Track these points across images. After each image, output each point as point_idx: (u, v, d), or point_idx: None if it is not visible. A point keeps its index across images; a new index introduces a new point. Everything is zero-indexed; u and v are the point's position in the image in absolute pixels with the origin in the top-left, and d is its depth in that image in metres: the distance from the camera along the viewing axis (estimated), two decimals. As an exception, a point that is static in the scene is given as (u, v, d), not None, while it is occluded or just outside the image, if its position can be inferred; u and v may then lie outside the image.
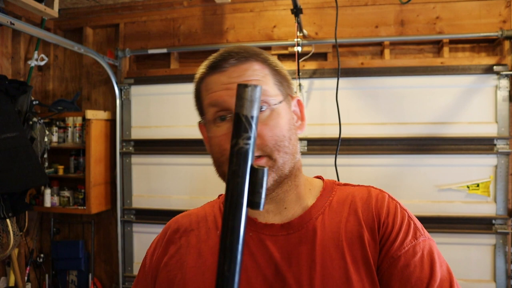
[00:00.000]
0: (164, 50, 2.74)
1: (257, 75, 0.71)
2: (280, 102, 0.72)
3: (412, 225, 0.72)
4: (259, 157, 0.68)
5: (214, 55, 0.74)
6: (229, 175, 0.47)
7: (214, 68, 0.72)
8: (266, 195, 0.69)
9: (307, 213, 0.75)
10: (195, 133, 2.64)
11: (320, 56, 2.64)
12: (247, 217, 0.71)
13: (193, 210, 0.86)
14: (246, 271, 0.71)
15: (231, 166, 0.46)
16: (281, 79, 0.75)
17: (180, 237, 0.80)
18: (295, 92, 0.80)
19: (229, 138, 0.64)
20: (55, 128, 2.77)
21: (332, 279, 0.67)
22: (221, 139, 0.70)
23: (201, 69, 0.76)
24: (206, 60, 0.76)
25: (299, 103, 0.78)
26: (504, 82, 2.32)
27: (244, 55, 0.72)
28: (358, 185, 0.80)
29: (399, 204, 0.75)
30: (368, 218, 0.72)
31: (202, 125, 0.80)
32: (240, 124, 0.47)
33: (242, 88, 0.47)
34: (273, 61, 0.75)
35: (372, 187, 0.79)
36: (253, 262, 0.71)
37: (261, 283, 0.70)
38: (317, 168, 2.42)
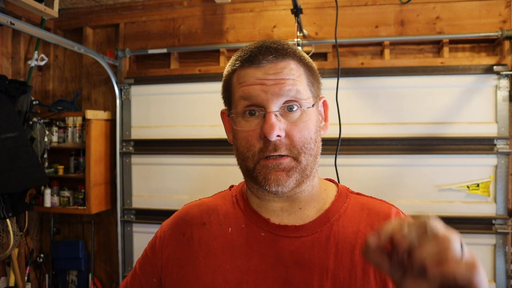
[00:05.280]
0: (164, 50, 2.74)
1: (293, 74, 0.70)
2: (312, 105, 0.72)
3: None
4: (282, 156, 0.68)
5: (249, 47, 0.73)
6: None
7: (250, 62, 0.71)
8: (284, 194, 0.71)
9: (322, 217, 0.74)
10: (195, 133, 2.66)
11: (320, 56, 2.64)
12: (259, 216, 0.75)
13: (204, 200, 0.85)
14: (256, 271, 0.70)
15: None
16: (313, 80, 0.75)
17: (192, 230, 0.78)
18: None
19: (257, 134, 0.69)
20: (55, 128, 2.77)
21: None
22: (249, 134, 0.70)
23: (235, 60, 0.74)
24: (240, 51, 0.75)
25: (325, 104, 0.79)
26: (504, 82, 2.32)
27: (282, 52, 0.71)
28: (371, 197, 0.81)
29: None
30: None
31: (225, 113, 0.80)
32: None
33: None
34: (308, 61, 0.75)
35: (385, 201, 0.80)
36: (263, 263, 0.71)
37: (270, 284, 0.69)
38: (317, 168, 2.42)
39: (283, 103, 0.69)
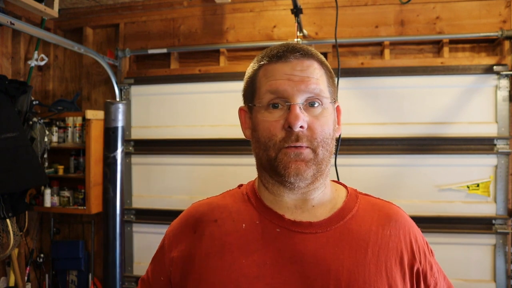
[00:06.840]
0: (164, 50, 2.74)
1: (316, 73, 0.75)
2: (332, 102, 0.77)
3: (428, 244, 0.81)
4: (303, 147, 0.72)
5: (275, 47, 0.78)
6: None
7: (278, 58, 0.75)
8: (300, 188, 0.75)
9: (335, 215, 0.77)
10: (195, 133, 2.66)
11: (320, 56, 2.64)
12: (274, 213, 0.77)
13: (213, 199, 0.86)
14: (272, 265, 0.72)
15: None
16: (332, 84, 0.79)
17: (203, 227, 0.79)
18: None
19: (280, 125, 0.74)
20: (55, 128, 2.77)
21: (357, 285, 0.70)
22: (272, 124, 0.73)
23: (261, 58, 0.79)
24: (264, 51, 0.79)
25: (338, 109, 0.83)
26: (504, 82, 2.32)
27: (307, 52, 0.77)
28: (379, 198, 0.85)
29: (414, 224, 0.83)
30: (397, 238, 0.77)
31: (243, 110, 0.83)
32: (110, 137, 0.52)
33: (108, 104, 0.52)
34: (328, 65, 0.80)
35: (392, 203, 0.84)
36: (280, 257, 0.73)
37: (287, 277, 0.71)
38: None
39: (307, 99, 0.73)
